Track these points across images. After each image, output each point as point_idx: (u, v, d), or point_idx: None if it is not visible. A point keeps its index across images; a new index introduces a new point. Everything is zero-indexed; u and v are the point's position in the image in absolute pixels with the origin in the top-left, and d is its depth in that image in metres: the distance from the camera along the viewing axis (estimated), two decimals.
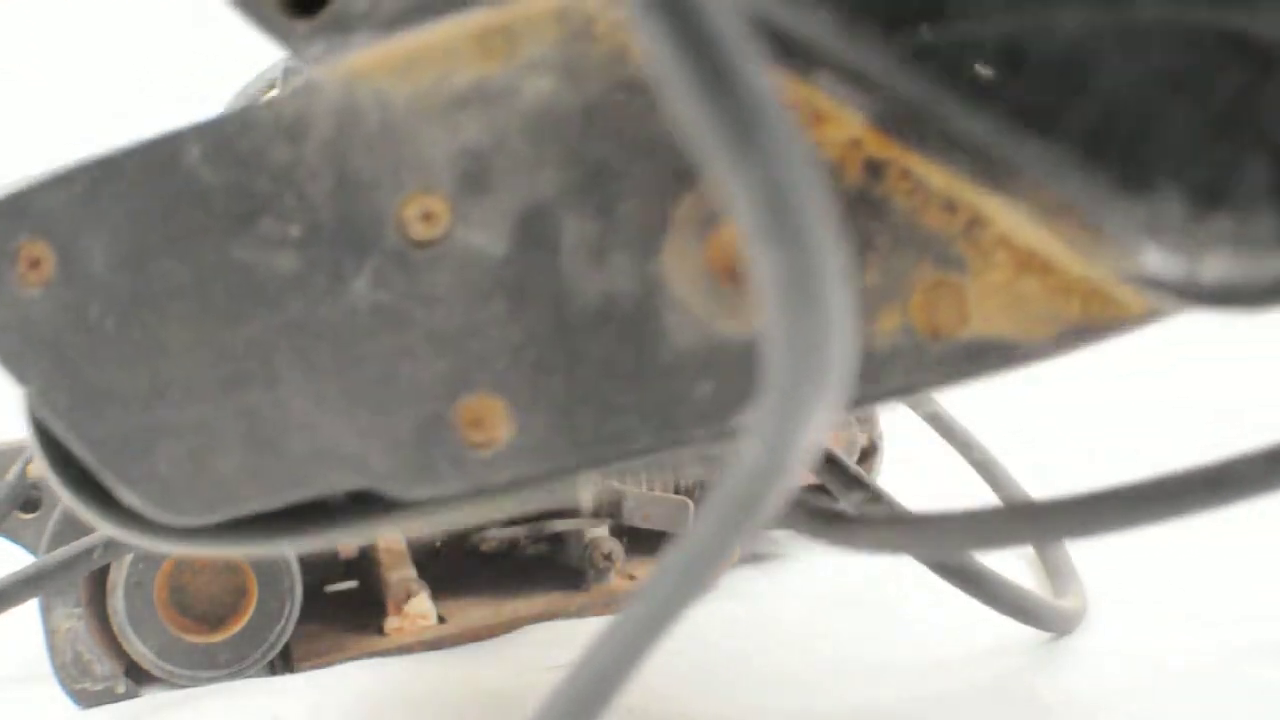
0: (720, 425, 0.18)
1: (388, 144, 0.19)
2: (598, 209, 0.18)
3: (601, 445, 0.19)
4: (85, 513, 0.21)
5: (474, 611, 0.47)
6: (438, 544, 0.50)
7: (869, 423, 0.54)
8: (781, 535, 0.56)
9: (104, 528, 0.21)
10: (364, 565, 0.49)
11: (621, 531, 0.50)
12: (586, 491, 0.48)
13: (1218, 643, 0.39)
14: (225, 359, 0.19)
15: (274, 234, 0.19)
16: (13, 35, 0.89)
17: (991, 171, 0.17)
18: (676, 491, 0.52)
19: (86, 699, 0.42)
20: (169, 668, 0.42)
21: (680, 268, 0.18)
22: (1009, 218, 0.17)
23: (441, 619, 0.46)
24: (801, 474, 0.14)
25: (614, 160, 0.18)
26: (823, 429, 0.14)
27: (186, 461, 0.20)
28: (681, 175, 0.18)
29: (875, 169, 0.18)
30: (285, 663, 0.45)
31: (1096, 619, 0.42)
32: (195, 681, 0.43)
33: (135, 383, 0.20)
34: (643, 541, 0.51)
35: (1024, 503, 0.22)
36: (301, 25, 0.20)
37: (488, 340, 0.19)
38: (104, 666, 0.42)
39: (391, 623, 0.45)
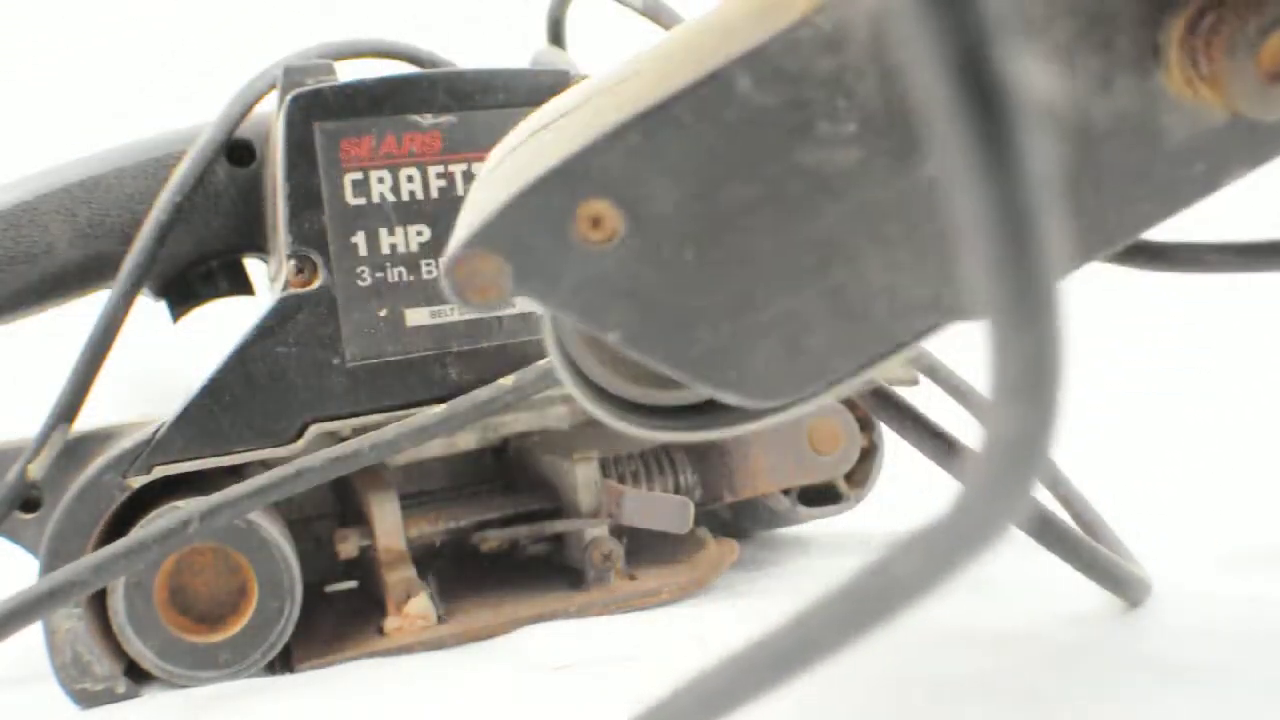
0: (1212, 191, 0.23)
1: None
2: (1100, 46, 0.21)
3: (1124, 230, 0.22)
4: (647, 427, 0.24)
5: (474, 611, 0.47)
6: (438, 544, 0.50)
7: (869, 423, 0.54)
8: (780, 538, 0.56)
9: (669, 434, 0.24)
10: (364, 565, 0.49)
11: (621, 531, 0.50)
12: (587, 493, 0.48)
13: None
14: (807, 252, 0.21)
15: (831, 135, 0.21)
16: (13, 35, 0.89)
17: None
18: (677, 491, 0.52)
19: (86, 699, 0.42)
20: (169, 668, 0.42)
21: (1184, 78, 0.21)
22: None
23: (441, 619, 0.46)
24: None
25: (1105, 6, 0.21)
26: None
27: (780, 351, 0.22)
28: (1162, 6, 0.21)
29: None
30: (285, 663, 0.44)
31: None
32: (195, 681, 0.43)
33: (722, 298, 0.22)
34: (643, 542, 0.51)
35: None
36: None
37: None
38: (104, 666, 0.42)
39: (391, 623, 0.45)
